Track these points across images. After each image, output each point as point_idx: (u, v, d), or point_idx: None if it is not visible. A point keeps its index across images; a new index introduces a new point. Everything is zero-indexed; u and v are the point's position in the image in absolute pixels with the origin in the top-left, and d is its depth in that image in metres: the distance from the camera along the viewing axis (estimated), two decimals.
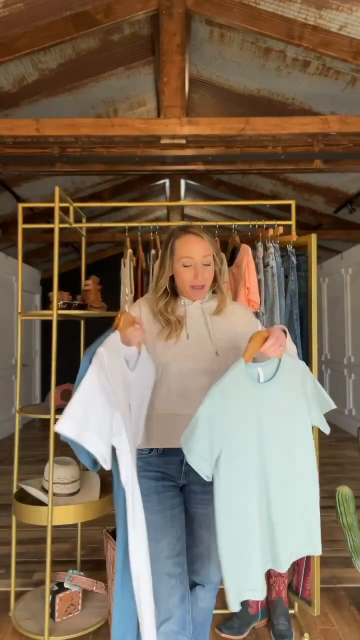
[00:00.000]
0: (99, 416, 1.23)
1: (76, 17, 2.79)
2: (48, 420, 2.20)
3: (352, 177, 4.73)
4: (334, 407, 1.53)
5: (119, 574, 1.47)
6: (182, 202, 5.74)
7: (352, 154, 3.19)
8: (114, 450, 1.32)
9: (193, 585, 1.72)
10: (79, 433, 1.18)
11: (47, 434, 2.30)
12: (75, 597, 2.34)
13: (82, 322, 2.82)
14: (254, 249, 2.32)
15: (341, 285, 6.84)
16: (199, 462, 1.30)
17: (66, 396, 2.41)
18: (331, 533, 3.13)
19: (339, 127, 2.74)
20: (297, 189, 5.32)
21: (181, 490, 1.65)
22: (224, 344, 1.61)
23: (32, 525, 2.27)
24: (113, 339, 1.42)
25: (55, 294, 2.25)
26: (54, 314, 2.23)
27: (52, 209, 2.25)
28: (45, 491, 2.22)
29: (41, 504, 2.19)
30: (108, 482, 2.33)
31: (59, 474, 2.24)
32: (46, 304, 7.83)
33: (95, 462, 1.37)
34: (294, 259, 2.24)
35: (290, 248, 2.26)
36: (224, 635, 2.21)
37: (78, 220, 2.68)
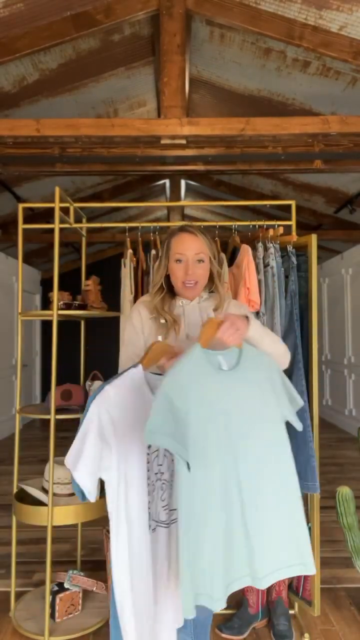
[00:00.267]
0: (89, 454, 1.36)
1: (76, 17, 2.79)
2: (48, 420, 2.20)
3: (352, 177, 4.73)
4: (302, 404, 1.51)
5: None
6: (182, 202, 5.74)
7: (352, 154, 3.19)
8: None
9: None
10: (72, 468, 1.37)
11: (47, 434, 2.30)
12: (75, 597, 2.34)
13: (82, 322, 2.82)
14: (254, 249, 2.32)
15: (341, 285, 6.84)
16: (164, 439, 1.27)
17: (66, 396, 2.41)
18: (331, 533, 3.13)
19: (339, 127, 2.74)
20: (297, 189, 5.32)
21: None
22: None
23: (32, 525, 2.27)
24: (132, 375, 1.44)
25: (55, 294, 2.25)
26: (54, 314, 2.23)
27: (52, 209, 2.25)
28: (45, 491, 2.22)
29: (41, 504, 2.19)
30: None
31: (59, 474, 2.24)
32: (46, 304, 7.83)
33: (83, 494, 1.43)
34: (294, 259, 2.24)
35: (290, 248, 2.26)
36: (224, 635, 2.21)
37: (78, 220, 2.68)
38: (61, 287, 2.29)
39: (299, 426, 1.49)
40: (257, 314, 2.22)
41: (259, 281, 2.24)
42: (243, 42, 3.22)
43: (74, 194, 5.50)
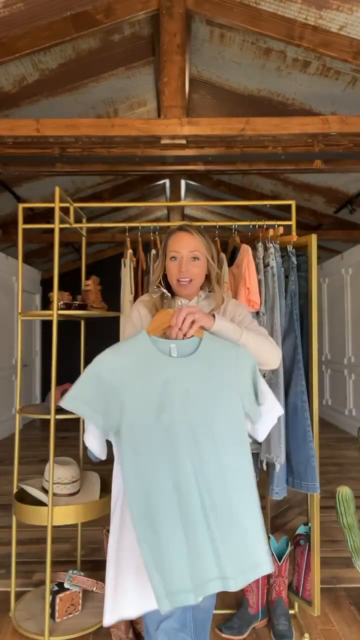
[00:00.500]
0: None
1: (76, 17, 2.79)
2: (48, 420, 2.20)
3: (352, 177, 4.73)
4: (261, 403, 1.49)
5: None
6: (182, 202, 5.75)
7: (352, 154, 3.19)
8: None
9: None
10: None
11: (47, 434, 2.30)
12: (75, 597, 2.34)
13: (82, 322, 2.82)
14: (254, 249, 2.32)
15: (341, 285, 6.84)
16: (89, 412, 1.35)
17: None
18: (331, 533, 3.13)
19: (339, 127, 2.74)
20: (297, 189, 5.32)
21: None
22: None
23: (32, 525, 2.27)
24: (136, 340, 1.45)
25: (55, 294, 2.25)
26: (54, 314, 2.23)
27: (52, 209, 2.25)
28: (45, 491, 2.22)
29: (41, 504, 2.19)
30: (108, 482, 2.33)
31: (59, 474, 2.24)
32: (46, 304, 7.83)
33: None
34: (294, 259, 2.24)
35: (290, 248, 2.26)
36: (224, 635, 2.21)
37: (78, 220, 2.68)
38: (61, 287, 2.29)
39: (262, 432, 1.51)
40: (257, 314, 2.22)
41: (259, 281, 2.24)
42: (243, 42, 3.22)
43: (74, 194, 5.50)
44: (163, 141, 2.83)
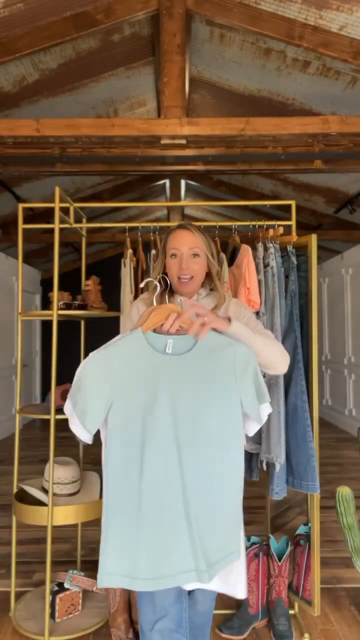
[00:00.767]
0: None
1: (76, 17, 2.80)
2: (48, 420, 2.20)
3: (352, 177, 4.73)
4: (263, 402, 1.47)
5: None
6: (182, 202, 5.75)
7: (352, 154, 3.19)
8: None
9: (191, 591, 1.70)
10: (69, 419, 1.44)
11: (47, 434, 2.30)
12: (75, 597, 2.34)
13: (82, 322, 2.82)
14: (254, 249, 2.32)
15: (341, 285, 6.84)
16: (81, 415, 1.37)
17: (66, 396, 2.41)
18: (331, 533, 3.14)
19: (339, 127, 2.74)
20: (297, 189, 5.32)
21: None
22: None
23: (32, 525, 2.27)
24: (129, 337, 1.44)
25: (55, 294, 2.25)
26: (54, 314, 2.23)
27: (52, 209, 2.25)
28: (45, 491, 2.22)
29: (41, 504, 2.19)
30: None
31: (59, 474, 2.24)
32: (46, 304, 7.83)
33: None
34: (294, 259, 2.24)
35: (290, 248, 2.26)
36: (224, 635, 2.21)
37: (78, 220, 2.68)
38: (61, 287, 2.29)
39: (254, 426, 1.49)
40: (257, 314, 2.22)
41: (259, 281, 2.24)
42: (243, 42, 3.22)
43: (74, 194, 5.50)
44: (163, 141, 2.84)
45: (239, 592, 1.44)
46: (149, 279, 1.61)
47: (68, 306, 2.32)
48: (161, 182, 5.77)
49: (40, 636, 2.15)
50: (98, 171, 3.69)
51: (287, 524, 2.59)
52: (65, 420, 2.30)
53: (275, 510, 2.52)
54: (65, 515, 2.16)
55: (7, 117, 3.68)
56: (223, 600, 2.42)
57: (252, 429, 1.51)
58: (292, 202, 2.49)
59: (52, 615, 2.27)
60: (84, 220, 2.80)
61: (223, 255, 2.37)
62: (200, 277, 1.67)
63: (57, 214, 2.23)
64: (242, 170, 3.72)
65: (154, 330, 1.44)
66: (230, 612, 2.35)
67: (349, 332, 6.63)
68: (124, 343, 1.41)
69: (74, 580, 2.33)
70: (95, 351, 1.42)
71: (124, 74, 3.69)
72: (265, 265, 2.27)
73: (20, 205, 2.53)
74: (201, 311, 1.43)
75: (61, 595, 2.29)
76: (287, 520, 2.61)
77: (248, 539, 2.34)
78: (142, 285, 1.62)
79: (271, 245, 2.25)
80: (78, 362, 2.77)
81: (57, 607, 2.27)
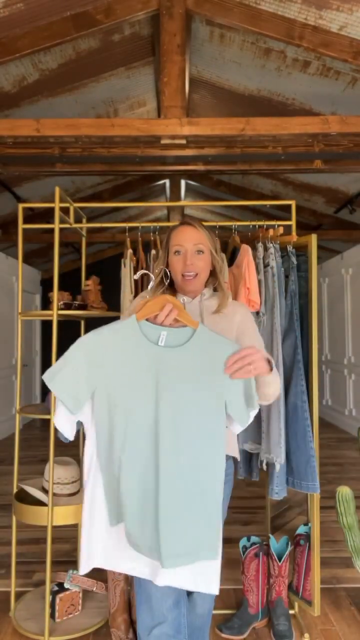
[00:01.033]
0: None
1: (76, 17, 2.79)
2: (48, 420, 2.20)
3: (352, 177, 4.73)
4: (257, 407, 1.43)
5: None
6: (182, 202, 5.76)
7: (352, 154, 3.19)
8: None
9: (190, 591, 1.69)
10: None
11: (47, 434, 2.30)
12: (75, 597, 2.34)
13: (82, 322, 2.82)
14: (254, 249, 2.32)
15: (341, 285, 6.84)
16: (62, 395, 1.34)
17: None
18: (331, 533, 3.14)
19: (339, 127, 2.74)
20: (297, 189, 5.32)
21: None
22: None
23: (32, 525, 2.27)
24: (124, 324, 1.41)
25: (55, 294, 2.25)
26: (54, 314, 2.23)
27: (52, 209, 2.25)
28: (45, 491, 2.22)
29: (41, 504, 2.19)
30: None
31: (59, 474, 2.24)
32: (46, 304, 7.83)
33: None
34: (294, 259, 2.24)
35: (290, 248, 2.26)
36: (224, 635, 2.21)
37: (78, 220, 2.68)
38: (61, 287, 2.29)
39: (239, 428, 1.44)
40: (257, 314, 2.22)
41: (259, 281, 2.24)
42: (243, 42, 3.22)
43: (74, 194, 5.50)
44: (163, 141, 2.84)
45: (213, 589, 1.41)
46: (143, 271, 1.59)
47: (68, 306, 2.32)
48: (161, 182, 5.78)
49: (40, 636, 2.15)
50: (98, 171, 3.69)
51: (287, 524, 2.59)
52: None
53: (275, 510, 2.52)
54: (65, 515, 2.16)
55: (7, 117, 3.68)
56: (223, 600, 2.43)
57: (236, 430, 1.47)
58: (292, 202, 2.49)
59: (52, 615, 2.27)
60: (84, 220, 2.80)
61: (223, 255, 2.37)
62: (205, 275, 1.62)
63: (57, 214, 2.23)
64: (242, 170, 3.72)
65: (149, 321, 1.40)
66: (230, 612, 2.35)
67: (349, 332, 6.63)
68: (117, 329, 1.38)
69: (74, 580, 2.33)
70: (86, 335, 1.40)
71: (124, 74, 3.69)
72: (265, 265, 2.27)
73: (20, 205, 2.53)
74: (250, 351, 1.35)
75: (61, 595, 2.29)
76: (287, 520, 2.61)
77: (248, 539, 2.34)
78: (136, 277, 1.59)
79: (271, 245, 2.25)
80: None
81: (57, 607, 2.27)
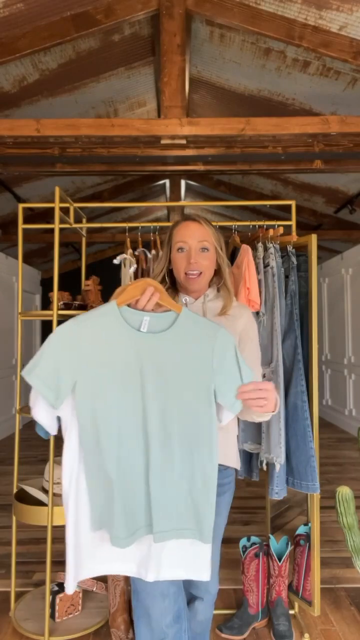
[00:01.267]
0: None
1: (76, 17, 2.80)
2: None
3: (352, 177, 4.73)
4: (252, 378, 1.34)
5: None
6: (182, 202, 5.75)
7: (352, 154, 3.19)
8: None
9: (191, 598, 1.68)
10: (32, 407, 1.33)
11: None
12: (75, 597, 2.34)
13: None
14: (254, 249, 2.32)
15: (341, 285, 6.84)
16: (42, 388, 1.26)
17: None
18: (331, 533, 3.14)
19: (339, 127, 2.74)
20: (297, 189, 5.32)
21: None
22: None
23: (32, 525, 2.27)
24: (102, 311, 1.33)
25: (55, 294, 2.25)
26: (54, 314, 2.23)
27: (52, 209, 2.25)
28: (45, 491, 2.22)
29: (41, 504, 2.19)
30: None
31: (58, 474, 2.24)
32: (46, 304, 7.83)
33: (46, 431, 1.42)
34: (294, 259, 2.24)
35: (290, 248, 2.26)
36: (224, 635, 2.21)
37: (78, 220, 2.68)
38: (61, 287, 2.29)
39: (229, 415, 1.36)
40: (257, 314, 2.22)
41: (259, 281, 2.24)
42: (243, 42, 3.22)
43: (74, 194, 5.50)
44: (163, 141, 2.84)
45: (204, 575, 1.35)
46: (123, 255, 1.51)
47: (68, 306, 2.32)
48: (161, 182, 5.78)
49: (40, 636, 2.15)
50: (98, 171, 3.69)
51: (287, 524, 2.59)
52: None
53: (275, 510, 2.52)
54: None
55: (7, 117, 3.68)
56: (223, 600, 2.43)
57: (226, 418, 1.40)
58: (292, 202, 2.49)
59: (52, 615, 2.27)
60: (84, 220, 2.80)
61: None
62: (209, 274, 1.55)
63: (57, 214, 2.23)
64: (242, 170, 3.73)
65: (131, 307, 1.34)
66: (230, 612, 2.35)
67: (349, 332, 6.63)
68: (96, 315, 1.31)
69: None
70: (64, 325, 1.33)
71: (124, 74, 3.69)
72: (265, 265, 2.27)
73: (20, 205, 2.53)
74: (269, 387, 1.31)
75: (61, 595, 2.29)
76: (287, 520, 2.61)
77: (248, 539, 2.34)
78: (115, 261, 1.51)
79: (271, 245, 2.25)
80: None
81: (57, 607, 2.27)
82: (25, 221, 2.55)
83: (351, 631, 2.26)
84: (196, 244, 1.50)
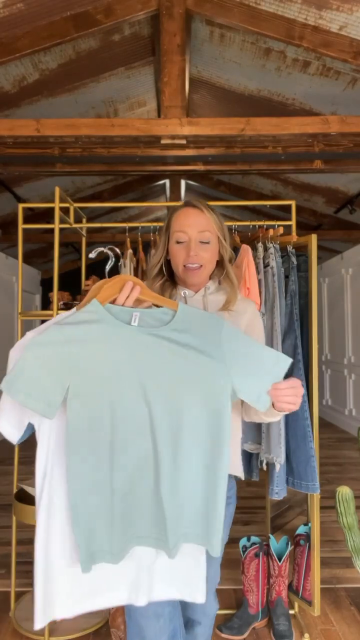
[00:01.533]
0: (6, 406, 1.22)
1: (76, 17, 2.80)
2: None
3: (352, 177, 4.73)
4: (289, 361, 1.22)
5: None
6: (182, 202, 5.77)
7: (352, 154, 3.20)
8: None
9: (189, 623, 1.55)
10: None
11: None
12: None
13: None
14: (254, 249, 2.32)
15: (341, 285, 6.84)
16: (29, 402, 1.11)
17: None
18: (331, 533, 3.14)
19: (339, 127, 2.74)
20: (297, 189, 5.32)
21: None
22: None
23: (32, 525, 2.26)
24: (84, 311, 1.20)
25: (55, 294, 2.25)
26: (54, 314, 2.23)
27: (52, 209, 2.25)
28: None
29: None
30: None
31: None
32: (46, 304, 7.83)
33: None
34: (294, 259, 2.24)
35: (290, 248, 2.26)
36: (224, 635, 2.21)
37: (78, 220, 2.69)
38: (61, 287, 2.29)
39: (262, 407, 1.21)
40: None
41: (259, 281, 2.24)
42: (243, 42, 3.22)
43: (74, 194, 5.50)
44: (163, 141, 2.84)
45: (199, 597, 1.25)
46: (99, 249, 1.42)
47: (68, 306, 2.32)
48: (161, 182, 5.78)
49: (40, 636, 2.15)
50: (98, 171, 3.69)
51: (287, 524, 2.59)
52: None
53: (275, 510, 2.52)
54: None
55: (7, 117, 3.68)
56: (223, 600, 2.43)
57: (256, 418, 1.28)
58: (292, 202, 2.49)
59: None
60: (84, 220, 2.80)
61: None
62: (211, 266, 1.41)
63: (57, 214, 2.23)
64: (242, 170, 3.73)
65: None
66: (230, 612, 2.35)
67: (349, 332, 6.63)
68: (80, 314, 1.18)
69: None
70: (33, 330, 1.19)
71: (124, 74, 3.69)
72: (265, 265, 2.27)
73: (20, 205, 2.53)
74: (300, 385, 1.21)
75: None
76: (287, 520, 2.61)
77: (248, 539, 2.34)
78: (92, 255, 1.42)
79: (271, 245, 2.25)
80: None
81: None
82: (25, 221, 2.55)
83: (351, 631, 2.26)
84: (196, 234, 1.36)
